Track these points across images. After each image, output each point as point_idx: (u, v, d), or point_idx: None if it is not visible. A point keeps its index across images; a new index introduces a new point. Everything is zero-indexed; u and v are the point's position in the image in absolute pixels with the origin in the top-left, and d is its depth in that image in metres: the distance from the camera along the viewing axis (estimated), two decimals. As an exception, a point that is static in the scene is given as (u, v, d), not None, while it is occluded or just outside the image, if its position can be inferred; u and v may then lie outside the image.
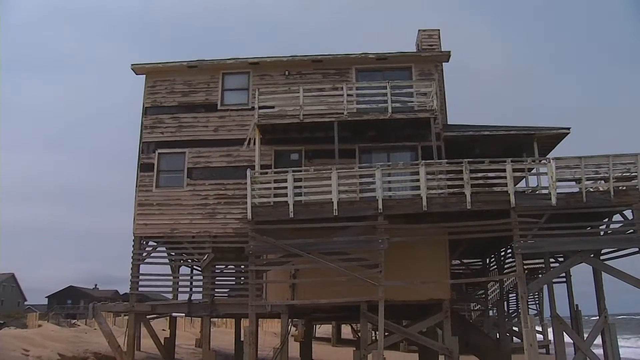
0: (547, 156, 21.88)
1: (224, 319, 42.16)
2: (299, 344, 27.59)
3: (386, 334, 20.60)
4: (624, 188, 19.31)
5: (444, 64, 24.44)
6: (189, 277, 24.66)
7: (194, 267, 25.06)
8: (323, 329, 48.58)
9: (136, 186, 23.39)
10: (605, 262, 20.49)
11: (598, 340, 21.16)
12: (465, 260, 30.23)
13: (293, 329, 39.95)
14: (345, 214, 19.01)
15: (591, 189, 19.64)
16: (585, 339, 21.10)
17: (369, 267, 18.80)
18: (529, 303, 39.39)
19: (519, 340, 39.75)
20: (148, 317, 25.46)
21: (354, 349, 20.88)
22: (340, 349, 33.48)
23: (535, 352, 17.92)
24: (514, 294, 38.50)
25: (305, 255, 19.13)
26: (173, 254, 24.17)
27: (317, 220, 19.14)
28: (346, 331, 47.31)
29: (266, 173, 20.40)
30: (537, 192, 20.73)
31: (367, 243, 18.93)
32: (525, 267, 24.75)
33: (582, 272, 22.31)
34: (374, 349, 18.76)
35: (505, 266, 26.77)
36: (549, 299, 21.77)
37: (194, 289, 23.23)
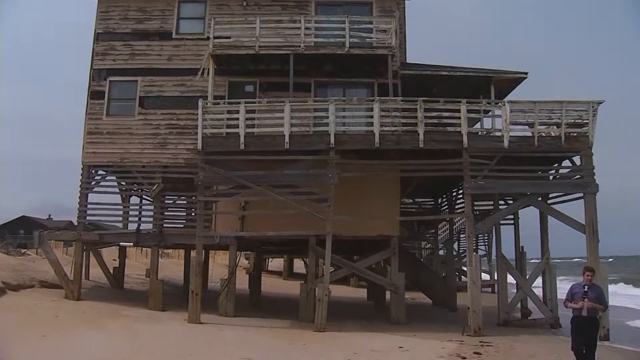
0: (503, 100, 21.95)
1: (177, 250, 42.14)
2: (248, 276, 27.71)
3: (334, 268, 20.85)
4: (575, 134, 19.50)
5: (406, 1, 24.02)
6: (138, 207, 24.33)
7: (144, 197, 24.78)
8: (275, 263, 49.01)
9: (86, 114, 22.75)
10: (552, 205, 20.93)
11: (539, 281, 21.80)
12: (417, 199, 30.58)
13: (245, 261, 40.36)
14: (297, 147, 18.87)
15: (543, 134, 19.81)
16: (527, 278, 21.67)
17: (319, 201, 18.81)
18: (479, 244, 40.28)
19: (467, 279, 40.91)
20: (98, 246, 25.27)
21: (303, 282, 21.10)
22: (291, 283, 33.87)
23: (478, 290, 18.31)
24: (464, 234, 39.25)
25: (255, 187, 19.01)
26: (123, 183, 23.85)
27: (268, 152, 19.00)
28: (299, 265, 47.86)
29: (218, 104, 20.05)
30: (490, 134, 20.85)
31: (317, 177, 18.90)
32: (476, 208, 25.19)
33: (529, 216, 22.81)
34: (321, 282, 18.94)
35: (456, 206, 27.18)
36: (495, 239, 22.22)
37: (144, 219, 23.03)
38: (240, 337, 16.14)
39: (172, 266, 36.48)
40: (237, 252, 21.67)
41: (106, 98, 22.71)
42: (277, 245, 25.59)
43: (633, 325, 23.15)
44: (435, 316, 23.18)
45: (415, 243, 38.38)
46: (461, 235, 37.56)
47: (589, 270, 11.75)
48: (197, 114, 19.52)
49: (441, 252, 34.76)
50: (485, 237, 38.77)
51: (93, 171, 22.56)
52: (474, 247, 28.15)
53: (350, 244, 22.11)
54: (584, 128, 19.39)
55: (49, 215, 76.62)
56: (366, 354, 14.01)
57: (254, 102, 19.87)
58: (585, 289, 11.42)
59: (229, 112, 19.70)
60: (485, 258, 38.42)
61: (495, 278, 27.54)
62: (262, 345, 14.80)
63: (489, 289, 33.80)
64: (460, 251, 37.63)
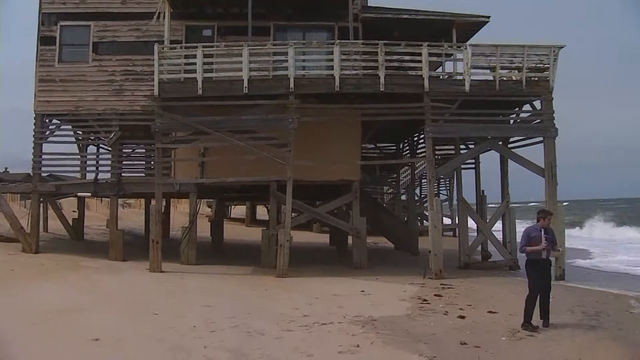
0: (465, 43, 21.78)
1: (139, 200, 41.64)
2: (210, 224, 27.53)
3: (296, 214, 20.76)
4: (536, 79, 19.49)
5: (370, -58, 23.48)
6: (95, 156, 23.79)
7: (101, 146, 24.17)
8: (238, 210, 48.89)
9: (36, 61, 21.89)
10: (512, 149, 21.07)
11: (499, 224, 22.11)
12: (379, 144, 30.55)
13: (208, 209, 40.13)
14: (256, 92, 18.51)
15: (504, 78, 19.75)
16: (487, 222, 21.95)
17: (279, 146, 18.59)
18: (440, 188, 40.67)
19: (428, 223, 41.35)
20: (55, 198, 24.78)
21: (264, 228, 21.02)
22: (254, 229, 33.78)
23: (439, 233, 18.45)
24: (426, 179, 39.56)
25: (214, 133, 18.69)
26: (79, 132, 23.19)
27: (227, 98, 18.60)
28: (261, 212, 47.79)
29: (175, 48, 19.49)
30: (452, 78, 20.73)
31: (277, 122, 18.64)
32: (437, 153, 25.24)
33: (489, 161, 22.98)
34: (282, 228, 18.87)
35: (418, 151, 27.23)
36: (456, 184, 22.35)
37: (102, 169, 22.51)
38: (202, 285, 16.06)
39: (133, 216, 36.06)
40: (198, 200, 21.46)
41: (57, 44, 21.81)
42: (238, 191, 25.40)
43: (584, 265, 23.72)
44: (397, 260, 23.40)
45: (378, 188, 38.48)
46: (423, 180, 37.83)
47: (549, 214, 11.71)
48: (154, 59, 18.98)
49: (403, 197, 35.09)
50: (447, 182, 39.11)
51: (47, 120, 21.86)
52: (435, 191, 28.64)
53: (312, 189, 22.05)
54: (545, 72, 19.36)
55: (5, 169, 75.18)
56: (328, 299, 14.06)
57: (212, 47, 19.37)
58: (545, 232, 11.32)
59: (186, 57, 19.19)
60: (447, 202, 38.81)
61: (457, 222, 27.83)
62: (224, 292, 14.75)
63: (451, 233, 34.21)
64: (422, 196, 37.99)
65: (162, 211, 28.11)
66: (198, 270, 18.92)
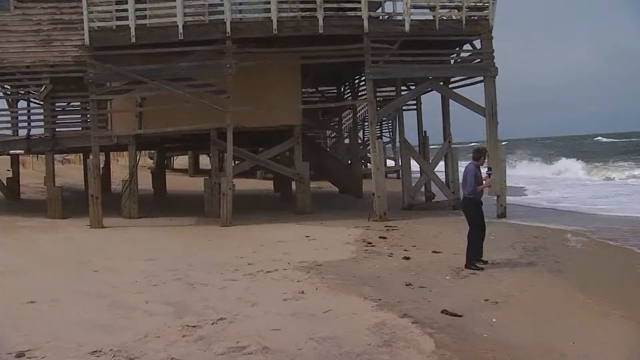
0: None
1: (79, 155, 40.48)
2: (151, 176, 26.98)
3: (238, 161, 20.49)
4: (476, 18, 19.36)
5: None
6: (26, 112, 22.82)
7: (32, 100, 23.16)
8: (181, 161, 48.08)
9: (-50, 10, 20.57)
10: (453, 90, 21.11)
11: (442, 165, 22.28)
12: (320, 88, 30.24)
13: (150, 161, 39.36)
14: (192, 38, 17.85)
15: (444, 18, 19.61)
16: (430, 163, 22.09)
17: (217, 93, 18.14)
18: (383, 131, 40.76)
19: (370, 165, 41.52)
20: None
21: (207, 177, 20.70)
22: (197, 179, 33.20)
23: (382, 176, 18.47)
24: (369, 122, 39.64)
25: (150, 82, 18.09)
26: (7, 87, 22.13)
27: (162, 45, 17.90)
28: (205, 162, 47.07)
29: (105, -6, 18.63)
30: (391, 18, 20.45)
31: (214, 68, 18.09)
32: (379, 95, 25.17)
33: (431, 103, 23.01)
34: (224, 176, 18.57)
35: (359, 94, 27.06)
36: (398, 125, 22.34)
37: (35, 124, 21.55)
38: (144, 239, 15.75)
39: (73, 172, 35.05)
40: (138, 152, 20.92)
41: (-28, -9, 20.55)
42: (179, 141, 24.88)
43: (521, 203, 24.19)
44: (341, 204, 23.43)
45: (321, 132, 38.33)
46: (365, 123, 37.77)
47: (486, 152, 11.84)
48: (82, 6, 18.11)
49: (347, 141, 35.02)
50: (390, 124, 39.16)
51: (-31, 75, 20.71)
52: (378, 134, 28.62)
53: (254, 136, 21.74)
54: (485, 11, 19.23)
55: None
56: (273, 246, 13.97)
57: (144, -8, 18.59)
58: (489, 169, 11.59)
59: (117, 2, 18.31)
60: (390, 145, 38.96)
61: (400, 164, 28.00)
62: (167, 245, 14.48)
63: (395, 175, 34.43)
64: (365, 139, 37.98)
65: (102, 165, 27.59)
66: (140, 223, 18.54)
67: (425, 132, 23.51)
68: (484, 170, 11.41)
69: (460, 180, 12.41)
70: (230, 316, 7.72)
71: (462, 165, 21.41)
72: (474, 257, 11.07)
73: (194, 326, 7.28)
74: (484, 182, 11.23)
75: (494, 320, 7.89)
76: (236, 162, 22.77)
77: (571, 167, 45.27)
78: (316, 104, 27.98)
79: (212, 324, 7.36)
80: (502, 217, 18.30)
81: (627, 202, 23.05)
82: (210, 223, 18.28)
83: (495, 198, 18.52)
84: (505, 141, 19.62)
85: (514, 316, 8.14)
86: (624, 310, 8.36)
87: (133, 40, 17.72)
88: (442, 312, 8.13)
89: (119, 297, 8.90)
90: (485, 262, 11.12)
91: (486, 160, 11.66)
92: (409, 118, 25.20)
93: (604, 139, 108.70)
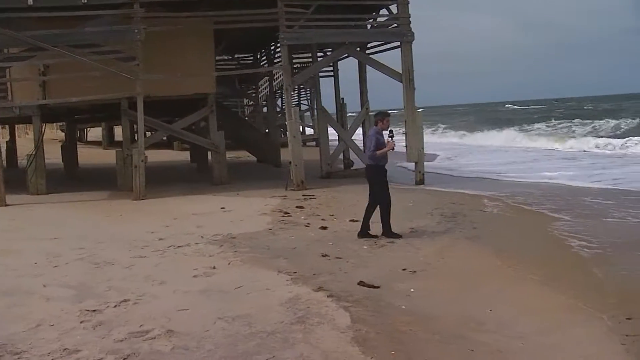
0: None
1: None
2: (60, 148, 25.68)
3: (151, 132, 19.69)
4: (391, -18, 19.10)
5: None
6: None
7: None
8: (95, 132, 46.30)
9: None
10: (370, 56, 20.87)
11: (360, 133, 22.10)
12: (237, 55, 29.52)
13: (62, 133, 37.60)
14: (97, 1, 16.85)
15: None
16: (347, 130, 21.88)
17: (125, 60, 17.22)
18: (302, 99, 40.40)
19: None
20: None
21: (119, 149, 19.79)
22: (112, 152, 32.00)
23: (298, 143, 18.08)
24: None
25: (52, 48, 16.96)
26: None
27: (65, 8, 16.71)
28: (120, 133, 45.56)
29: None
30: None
31: (122, 34, 17.07)
32: (296, 62, 24.70)
33: (350, 70, 22.75)
34: (136, 148, 17.78)
35: (276, 60, 26.48)
36: (315, 92, 21.98)
37: None
38: (51, 216, 14.82)
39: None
40: (45, 124, 19.77)
41: None
42: (89, 112, 23.70)
43: (436, 169, 24.32)
44: (260, 174, 22.98)
45: (239, 101, 37.64)
46: (283, 91, 37.37)
47: (387, 116, 11.09)
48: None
49: (265, 109, 34.46)
50: (309, 92, 38.77)
51: None
52: (296, 101, 28.27)
53: (168, 105, 20.87)
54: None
55: None
56: (186, 219, 13.43)
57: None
58: (391, 133, 10.87)
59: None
60: (309, 112, 38.63)
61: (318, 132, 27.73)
62: (75, 222, 13.66)
63: (314, 143, 34.14)
64: (283, 107, 37.47)
65: (8, 139, 26.14)
66: (48, 200, 17.51)
67: (342, 99, 23.29)
68: (387, 135, 10.90)
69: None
70: (135, 297, 7.22)
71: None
72: (389, 224, 10.77)
73: (94, 310, 6.73)
74: (391, 143, 10.78)
75: (412, 290, 7.72)
76: (149, 133, 21.90)
77: (486, 135, 46.30)
78: (231, 71, 27.23)
79: (115, 306, 6.84)
80: (420, 184, 18.31)
81: (539, 168, 23.61)
82: (123, 197, 17.49)
83: (413, 165, 18.51)
84: (420, 108, 19.50)
85: (431, 285, 7.99)
86: (538, 275, 8.37)
87: (30, 2, 16.49)
88: (358, 283, 7.90)
89: (15, 282, 8.19)
90: (376, 237, 10.68)
91: (385, 125, 10.90)
92: (328, 86, 24.98)
93: (515, 107, 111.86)
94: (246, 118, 35.63)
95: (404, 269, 8.69)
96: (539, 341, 6.07)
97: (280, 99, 36.76)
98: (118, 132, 45.87)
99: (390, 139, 10.74)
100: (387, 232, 10.71)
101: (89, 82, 17.43)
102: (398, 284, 7.96)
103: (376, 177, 10.93)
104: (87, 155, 31.10)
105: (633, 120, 47.97)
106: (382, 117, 10.99)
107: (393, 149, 10.81)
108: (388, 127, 10.88)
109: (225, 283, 7.92)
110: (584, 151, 31.00)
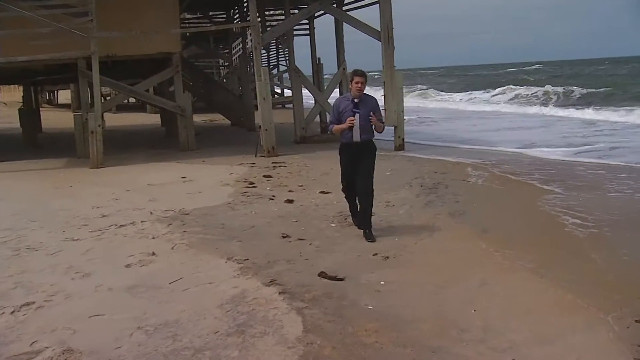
0: None
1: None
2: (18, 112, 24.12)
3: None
4: None
5: None
6: None
7: None
8: (66, 95, 44.52)
9: None
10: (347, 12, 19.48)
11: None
12: (210, 13, 27.92)
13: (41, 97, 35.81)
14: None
15: None
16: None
17: (78, 15, 15.71)
18: (281, 59, 38.80)
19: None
20: None
21: (75, 113, 18.37)
22: (80, 115, 30.61)
23: (268, 106, 16.72)
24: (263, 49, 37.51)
25: (-5, 1, 15.41)
26: None
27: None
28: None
29: None
30: None
31: (72, -15, 15.63)
32: (270, 21, 23.19)
33: (329, 32, 21.32)
34: (105, 108, 16.38)
35: (249, 18, 24.86)
36: (288, 51, 20.55)
37: None
38: (-4, 186, 13.53)
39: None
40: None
41: None
42: (47, 73, 22.08)
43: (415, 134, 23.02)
44: (231, 138, 21.68)
45: (214, 62, 35.98)
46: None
47: (358, 76, 7.99)
48: None
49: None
50: (286, 51, 37.10)
51: None
52: (266, 61, 26.65)
53: (132, 65, 19.51)
54: None
55: None
56: (141, 190, 12.19)
57: None
58: (356, 102, 7.96)
59: None
60: (287, 73, 37.03)
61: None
62: (17, 196, 12.29)
63: (292, 105, 32.73)
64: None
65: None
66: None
67: (319, 59, 21.87)
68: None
69: None
70: (44, 298, 5.95)
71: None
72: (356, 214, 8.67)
73: (-21, 320, 5.45)
74: (349, 120, 7.93)
75: (382, 283, 6.51)
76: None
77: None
78: (197, 28, 25.53)
79: (12, 312, 5.55)
80: (399, 150, 17.11)
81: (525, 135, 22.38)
82: (80, 165, 16.28)
83: (393, 129, 17.26)
84: (405, 70, 18.15)
85: (406, 276, 6.75)
86: (528, 261, 7.19)
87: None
88: (319, 274, 6.71)
89: None
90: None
91: (359, 88, 7.94)
92: (305, 46, 23.58)
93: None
94: (223, 80, 34.01)
95: (375, 254, 7.50)
96: (532, 355, 4.90)
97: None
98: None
99: (355, 111, 7.92)
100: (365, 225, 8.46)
101: (41, 40, 15.90)
102: (367, 275, 6.75)
103: (340, 156, 8.49)
104: (55, 120, 29.65)
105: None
106: (351, 77, 8.17)
107: (351, 127, 7.95)
108: (360, 90, 7.97)
109: (161, 275, 6.69)
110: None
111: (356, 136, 8.04)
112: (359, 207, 8.46)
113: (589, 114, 28.68)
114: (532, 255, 7.44)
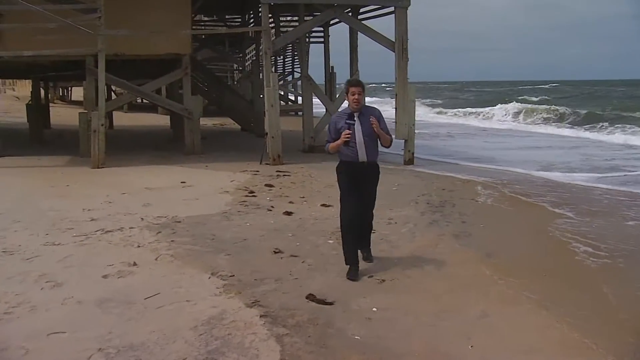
0: None
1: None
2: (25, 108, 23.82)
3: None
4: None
5: None
6: None
7: None
8: (80, 92, 44.41)
9: None
10: (363, 22, 19.04)
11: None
12: (227, 17, 27.63)
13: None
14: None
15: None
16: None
17: (86, 12, 15.38)
18: (296, 66, 38.43)
19: (282, 102, 39.35)
20: None
21: (81, 111, 18.01)
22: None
23: (276, 113, 16.26)
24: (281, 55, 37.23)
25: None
26: None
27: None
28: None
29: None
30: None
31: (81, -19, 15.31)
32: (284, 26, 22.79)
33: (343, 42, 20.93)
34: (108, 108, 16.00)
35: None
36: (301, 58, 20.16)
37: None
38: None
39: None
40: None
41: None
42: (55, 70, 21.73)
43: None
44: (240, 144, 21.27)
45: (228, 66, 35.63)
46: (278, 58, 35.38)
47: (353, 86, 6.82)
48: None
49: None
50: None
51: None
52: (289, 69, 26.26)
53: (142, 65, 19.17)
54: None
55: None
56: (137, 194, 11.77)
57: None
58: (349, 117, 6.83)
59: None
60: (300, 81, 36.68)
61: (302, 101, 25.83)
62: (12, 194, 11.91)
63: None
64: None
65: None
66: (3, 163, 15.91)
67: (332, 67, 21.43)
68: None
69: None
70: (4, 310, 5.49)
71: (371, 104, 19.68)
72: (348, 258, 7.06)
73: None
74: (345, 135, 6.75)
75: (374, 309, 6.03)
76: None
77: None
78: (207, 30, 25.11)
79: (-38, 328, 5.14)
80: (409, 164, 16.61)
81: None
82: (81, 164, 15.94)
83: (403, 143, 16.77)
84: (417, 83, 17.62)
85: (401, 302, 6.25)
86: (535, 292, 6.68)
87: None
88: (307, 297, 6.24)
89: None
90: (354, 276, 6.94)
91: (356, 100, 6.78)
92: (319, 55, 23.22)
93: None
94: (236, 83, 33.64)
95: (370, 276, 7.01)
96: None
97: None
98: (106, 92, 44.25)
99: (348, 125, 6.79)
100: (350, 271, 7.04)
101: (48, 35, 15.57)
102: (358, 299, 6.27)
103: (340, 178, 7.15)
104: (66, 116, 29.35)
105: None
106: (346, 87, 7.05)
107: (347, 141, 6.75)
108: (358, 102, 6.80)
109: (137, 289, 6.24)
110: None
111: (362, 155, 6.79)
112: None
113: (617, 138, 27.09)
114: (539, 285, 6.94)
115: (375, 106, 7.51)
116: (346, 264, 7.01)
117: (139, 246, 7.88)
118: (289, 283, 6.67)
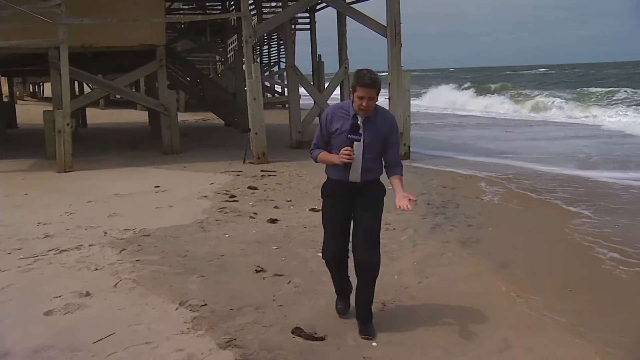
0: None
1: None
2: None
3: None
4: None
5: None
6: None
7: None
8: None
9: None
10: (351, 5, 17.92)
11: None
12: (207, 4, 26.42)
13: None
14: None
15: None
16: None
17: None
18: (281, 56, 37.28)
19: (269, 95, 38.16)
20: None
21: (46, 109, 16.77)
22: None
23: (260, 107, 15.08)
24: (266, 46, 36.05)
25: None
26: None
27: None
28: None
29: None
30: None
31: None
32: (267, 13, 21.65)
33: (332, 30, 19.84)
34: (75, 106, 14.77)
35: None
36: (286, 46, 19.01)
37: None
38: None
39: None
40: None
41: None
42: (19, 64, 20.36)
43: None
44: (223, 140, 20.07)
45: (210, 57, 34.35)
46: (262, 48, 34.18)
47: (365, 87, 4.65)
48: None
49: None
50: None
51: None
52: (274, 59, 25.03)
53: (116, 59, 17.96)
54: None
55: None
56: (104, 202, 10.62)
57: None
58: (358, 123, 4.76)
59: None
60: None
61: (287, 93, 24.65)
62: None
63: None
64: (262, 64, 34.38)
65: None
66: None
67: (320, 56, 20.26)
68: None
69: None
70: None
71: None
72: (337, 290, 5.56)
73: None
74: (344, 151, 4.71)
75: (374, 345, 4.93)
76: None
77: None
78: (182, 18, 23.78)
79: None
80: (404, 159, 15.45)
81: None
82: (47, 168, 14.79)
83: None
84: (413, 71, 16.42)
85: (406, 334, 5.11)
86: (561, 312, 5.59)
87: None
88: (293, 331, 5.11)
89: None
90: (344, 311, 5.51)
91: (365, 101, 4.70)
92: (305, 43, 22.10)
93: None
94: (218, 76, 32.40)
95: (368, 300, 5.87)
96: None
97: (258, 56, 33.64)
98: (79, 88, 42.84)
99: (351, 137, 4.74)
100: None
101: (3, 24, 14.29)
102: (355, 332, 5.13)
103: (325, 199, 5.30)
104: (36, 114, 27.93)
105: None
106: (354, 85, 4.71)
107: (346, 161, 4.74)
108: (367, 110, 4.77)
109: (86, 329, 5.10)
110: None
111: (354, 175, 4.92)
112: (355, 287, 5.35)
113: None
114: (565, 303, 5.87)
115: (389, 112, 5.23)
116: (336, 293, 5.62)
117: (96, 269, 6.73)
118: (271, 312, 5.54)
